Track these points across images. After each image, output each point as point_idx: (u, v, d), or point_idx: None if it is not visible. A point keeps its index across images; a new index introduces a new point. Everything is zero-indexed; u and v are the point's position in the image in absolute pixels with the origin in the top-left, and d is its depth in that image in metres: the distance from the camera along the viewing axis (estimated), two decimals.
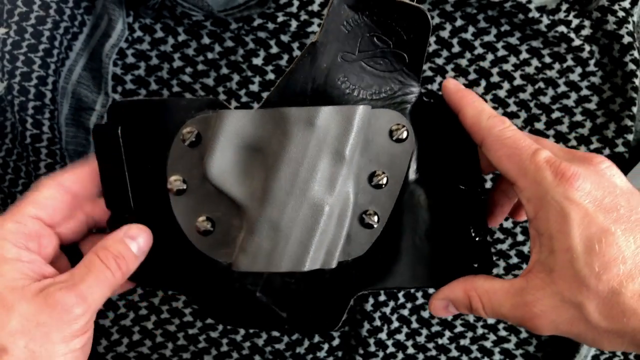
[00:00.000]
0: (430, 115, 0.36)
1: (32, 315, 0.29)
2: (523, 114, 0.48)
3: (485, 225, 0.36)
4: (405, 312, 0.50)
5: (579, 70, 0.48)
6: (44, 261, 0.32)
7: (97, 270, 0.32)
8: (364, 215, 0.35)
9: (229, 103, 0.49)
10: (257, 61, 0.48)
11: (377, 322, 0.49)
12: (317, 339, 0.50)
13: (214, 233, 0.35)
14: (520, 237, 0.49)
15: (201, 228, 0.34)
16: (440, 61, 0.48)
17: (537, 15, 0.47)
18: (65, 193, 0.34)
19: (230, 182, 0.33)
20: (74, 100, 0.48)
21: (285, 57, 0.48)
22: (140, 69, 0.49)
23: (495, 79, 0.48)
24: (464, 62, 0.48)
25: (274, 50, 0.48)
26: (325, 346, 0.50)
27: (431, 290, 0.49)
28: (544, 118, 0.48)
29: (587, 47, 0.47)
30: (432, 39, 0.48)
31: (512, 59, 0.48)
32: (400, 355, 0.50)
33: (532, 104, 0.48)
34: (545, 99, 0.48)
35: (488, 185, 0.49)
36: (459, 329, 0.50)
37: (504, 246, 0.49)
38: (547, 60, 0.48)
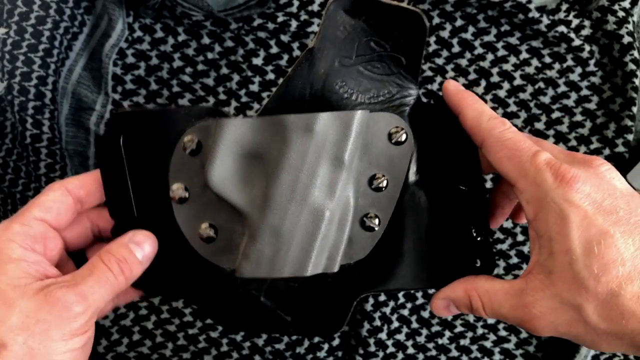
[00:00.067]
0: (430, 116, 0.36)
1: (33, 312, 0.30)
2: (523, 114, 0.48)
3: (487, 225, 0.36)
4: (405, 312, 0.50)
5: (579, 70, 0.48)
6: (48, 263, 0.33)
7: (99, 271, 0.32)
8: (364, 218, 0.35)
9: (229, 103, 0.49)
10: (257, 61, 0.48)
11: (377, 322, 0.49)
12: (317, 339, 0.50)
13: (216, 240, 0.35)
14: (520, 237, 0.49)
15: (204, 235, 0.35)
16: (440, 61, 0.48)
17: (537, 15, 0.47)
18: (70, 197, 0.34)
19: (231, 189, 0.34)
20: (74, 100, 0.48)
21: (285, 57, 0.48)
22: (140, 69, 0.49)
23: (495, 79, 0.48)
24: (464, 62, 0.48)
25: (274, 50, 0.48)
26: (325, 346, 0.50)
27: (431, 291, 0.49)
28: (544, 118, 0.48)
29: (587, 47, 0.47)
30: (432, 39, 0.48)
31: (512, 59, 0.48)
32: (400, 355, 0.50)
33: (532, 104, 0.48)
34: (545, 99, 0.48)
35: (488, 185, 0.49)
36: (459, 329, 0.50)
37: (504, 246, 0.49)
38: (547, 60, 0.48)
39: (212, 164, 0.33)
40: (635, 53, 0.46)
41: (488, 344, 0.50)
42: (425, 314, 0.50)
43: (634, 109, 0.47)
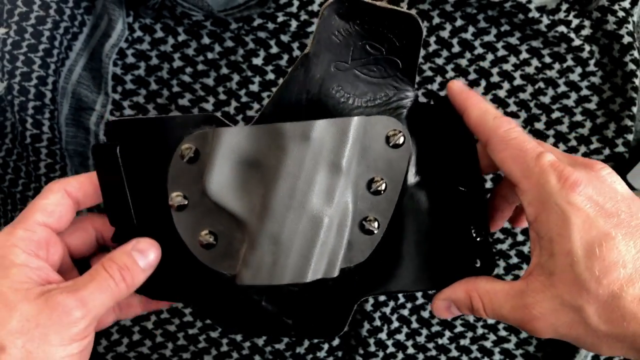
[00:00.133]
0: (428, 117, 0.36)
1: (33, 316, 0.30)
2: (523, 114, 0.48)
3: (487, 225, 0.36)
4: (405, 312, 0.50)
5: (579, 70, 0.48)
6: (51, 268, 0.33)
7: (101, 278, 0.32)
8: (364, 222, 0.35)
9: (229, 103, 0.49)
10: (257, 61, 0.48)
11: (377, 322, 0.49)
12: (317, 339, 0.50)
13: (216, 246, 0.35)
14: (520, 237, 0.49)
15: (204, 242, 0.35)
16: (440, 61, 0.48)
17: (537, 15, 0.47)
18: (70, 200, 0.34)
19: (229, 198, 0.34)
20: (74, 100, 0.48)
21: (285, 57, 0.48)
22: (140, 69, 0.49)
23: (495, 79, 0.48)
24: (464, 62, 0.48)
25: (274, 50, 0.48)
26: (325, 346, 0.50)
27: (432, 291, 0.49)
28: (544, 118, 0.48)
29: (587, 47, 0.47)
30: (432, 39, 0.48)
31: (512, 59, 0.48)
32: (400, 355, 0.50)
33: (532, 104, 0.48)
34: (545, 99, 0.48)
35: (488, 185, 0.49)
36: (459, 329, 0.50)
37: (504, 246, 0.49)
38: (547, 60, 0.48)
39: (210, 172, 0.34)
40: (635, 53, 0.46)
41: (488, 344, 0.50)
42: (425, 314, 0.50)
43: (634, 109, 0.47)
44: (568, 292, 0.29)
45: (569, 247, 0.29)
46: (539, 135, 0.48)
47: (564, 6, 0.47)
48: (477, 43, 0.48)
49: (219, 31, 0.48)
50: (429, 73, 0.49)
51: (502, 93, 0.48)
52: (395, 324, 0.50)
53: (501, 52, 0.48)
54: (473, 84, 0.49)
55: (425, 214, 0.35)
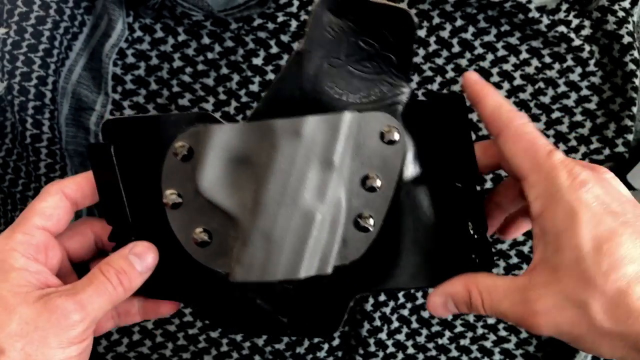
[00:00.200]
0: (424, 114, 0.35)
1: (32, 319, 0.30)
2: None
3: (484, 222, 0.36)
4: (405, 312, 0.50)
5: (579, 70, 0.48)
6: (50, 272, 0.33)
7: (98, 282, 0.32)
8: (358, 219, 0.34)
9: (229, 103, 0.49)
10: (257, 61, 0.48)
11: (377, 322, 0.49)
12: (317, 339, 0.50)
13: (211, 244, 0.35)
14: (520, 237, 0.49)
15: (198, 239, 0.35)
16: (440, 61, 0.48)
17: (537, 15, 0.47)
18: (68, 202, 0.35)
19: (221, 194, 0.34)
20: (74, 100, 0.48)
21: (285, 57, 0.48)
22: (140, 69, 0.49)
23: (495, 79, 0.48)
24: (464, 62, 0.48)
25: (274, 50, 0.48)
26: (325, 346, 0.50)
27: (431, 290, 0.49)
28: (544, 118, 0.48)
29: (587, 47, 0.47)
30: (432, 39, 0.48)
31: (512, 59, 0.48)
32: (400, 355, 0.50)
33: (532, 104, 0.48)
34: (545, 99, 0.48)
35: (488, 185, 0.49)
36: (459, 329, 0.50)
37: (504, 246, 0.49)
38: (547, 60, 0.48)
39: (202, 170, 0.34)
40: (635, 53, 0.46)
41: (488, 344, 0.50)
42: (425, 314, 0.50)
43: (634, 109, 0.47)
44: (573, 287, 0.29)
45: (576, 241, 0.29)
46: None
47: (564, 6, 0.47)
48: (477, 43, 0.48)
49: (219, 31, 0.48)
50: (429, 73, 0.49)
51: (502, 93, 0.48)
52: (395, 324, 0.50)
53: (501, 52, 0.48)
54: None
55: (421, 211, 0.35)
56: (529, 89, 0.48)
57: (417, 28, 0.35)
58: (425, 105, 0.36)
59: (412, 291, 0.49)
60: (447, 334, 0.50)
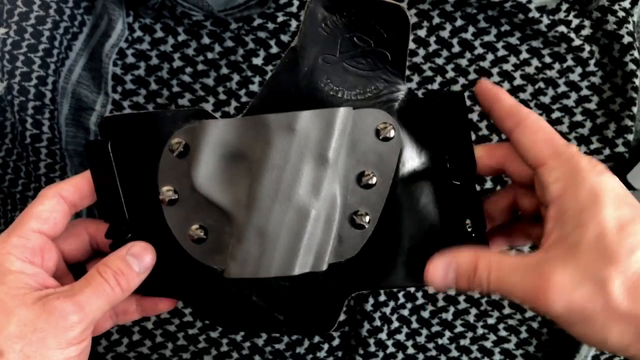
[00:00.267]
0: (423, 111, 0.35)
1: (30, 320, 0.30)
2: None
3: (482, 220, 0.36)
4: (405, 312, 0.50)
5: (579, 70, 0.48)
6: (47, 274, 0.33)
7: (96, 283, 0.32)
8: (354, 216, 0.34)
9: (229, 103, 0.49)
10: (257, 61, 0.48)
11: (377, 322, 0.49)
12: (317, 339, 0.50)
13: (207, 240, 0.35)
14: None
15: (194, 236, 0.35)
16: (440, 61, 0.48)
17: (537, 15, 0.47)
18: (65, 205, 0.35)
19: (216, 190, 0.34)
20: (73, 100, 0.48)
21: None
22: (140, 69, 0.49)
23: (495, 79, 0.48)
24: (464, 62, 0.48)
25: (274, 50, 0.48)
26: (325, 346, 0.50)
27: (431, 290, 0.49)
28: (544, 118, 0.48)
29: (587, 47, 0.47)
30: (432, 39, 0.48)
31: (512, 59, 0.48)
32: (400, 355, 0.50)
33: (532, 104, 0.48)
34: (546, 99, 0.48)
35: (489, 185, 0.49)
36: (459, 329, 0.50)
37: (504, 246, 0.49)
38: (547, 60, 0.48)
39: (197, 166, 0.34)
40: (636, 53, 0.46)
41: (488, 344, 0.50)
42: (426, 314, 0.50)
43: (634, 109, 0.47)
44: (594, 262, 0.28)
45: (600, 218, 0.29)
46: None
47: (564, 6, 0.47)
48: (477, 43, 0.48)
49: (219, 31, 0.48)
50: (429, 73, 0.49)
51: None
52: (396, 324, 0.50)
53: (501, 52, 0.48)
54: (473, 84, 0.49)
55: (417, 208, 0.35)
56: (529, 88, 0.48)
57: (411, 25, 0.34)
58: (424, 103, 0.36)
59: (412, 291, 0.49)
60: (447, 334, 0.50)
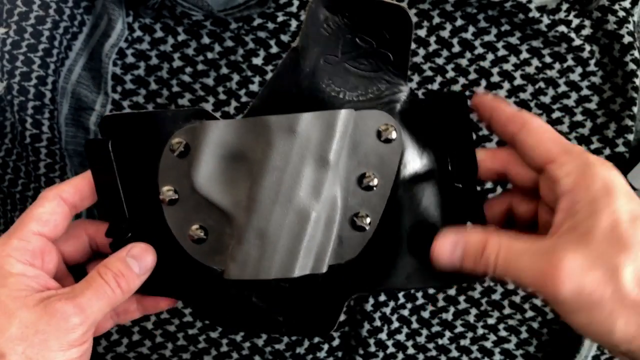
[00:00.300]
0: (424, 113, 0.35)
1: (32, 322, 0.30)
2: None
3: (483, 222, 0.36)
4: (406, 313, 0.50)
5: (579, 70, 0.48)
6: (47, 276, 0.33)
7: (97, 285, 0.33)
8: (355, 218, 0.34)
9: (229, 103, 0.49)
10: (257, 61, 0.48)
11: (377, 323, 0.49)
12: (317, 339, 0.50)
13: (207, 241, 0.35)
14: None
15: (194, 236, 0.35)
16: (440, 61, 0.48)
17: (537, 15, 0.47)
18: (66, 207, 0.35)
19: (216, 191, 0.34)
20: (73, 100, 0.48)
21: None
22: (140, 69, 0.49)
23: (495, 78, 0.48)
24: (464, 62, 0.48)
25: (274, 50, 0.48)
26: (325, 346, 0.50)
27: (431, 291, 0.49)
28: (544, 118, 0.48)
29: (587, 47, 0.47)
30: (432, 39, 0.48)
31: (513, 59, 0.48)
32: (400, 355, 0.50)
33: (532, 104, 0.48)
34: (546, 99, 0.48)
35: (488, 185, 0.49)
36: (459, 329, 0.50)
37: None
38: (548, 60, 0.48)
39: (197, 166, 0.34)
40: (636, 53, 0.46)
41: (488, 345, 0.50)
42: (426, 314, 0.50)
43: (635, 109, 0.47)
44: (607, 249, 0.29)
45: (614, 207, 0.29)
46: None
47: (564, 6, 0.47)
48: (477, 43, 0.48)
49: (219, 31, 0.48)
50: (429, 73, 0.48)
51: (502, 93, 0.48)
52: (396, 324, 0.50)
53: (501, 52, 0.48)
54: (473, 84, 0.48)
55: (419, 210, 0.35)
56: (530, 88, 0.48)
57: (414, 25, 0.34)
58: (426, 104, 0.36)
59: (412, 291, 0.49)
60: (448, 334, 0.50)
